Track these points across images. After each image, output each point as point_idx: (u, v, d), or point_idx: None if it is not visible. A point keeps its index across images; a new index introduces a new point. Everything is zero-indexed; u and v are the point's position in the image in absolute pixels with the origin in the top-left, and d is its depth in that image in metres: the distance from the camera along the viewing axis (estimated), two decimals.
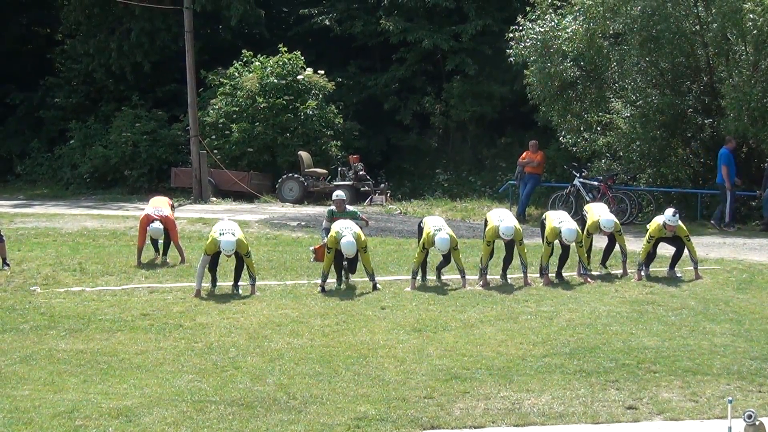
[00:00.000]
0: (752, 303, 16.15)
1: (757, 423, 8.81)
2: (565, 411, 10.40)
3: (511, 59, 29.29)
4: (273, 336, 13.51)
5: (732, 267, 19.15)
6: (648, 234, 17.53)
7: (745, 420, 8.73)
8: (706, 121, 27.62)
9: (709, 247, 22.26)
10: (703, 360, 12.59)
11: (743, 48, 26.05)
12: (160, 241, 19.22)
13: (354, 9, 34.95)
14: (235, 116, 32.97)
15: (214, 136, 33.01)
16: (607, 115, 28.62)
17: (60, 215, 26.53)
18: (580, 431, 10.03)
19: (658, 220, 17.64)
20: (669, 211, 17.42)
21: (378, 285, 16.80)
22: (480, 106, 34.04)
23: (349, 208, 20.78)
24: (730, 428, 8.83)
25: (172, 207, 19.97)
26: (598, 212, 18.69)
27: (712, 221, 25.37)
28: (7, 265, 18.19)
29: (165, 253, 19.00)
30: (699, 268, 18.23)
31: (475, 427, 9.92)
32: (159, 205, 19.31)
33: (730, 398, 9.15)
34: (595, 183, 27.20)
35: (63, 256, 19.64)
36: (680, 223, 17.19)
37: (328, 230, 19.43)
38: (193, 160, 31.78)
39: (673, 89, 27.60)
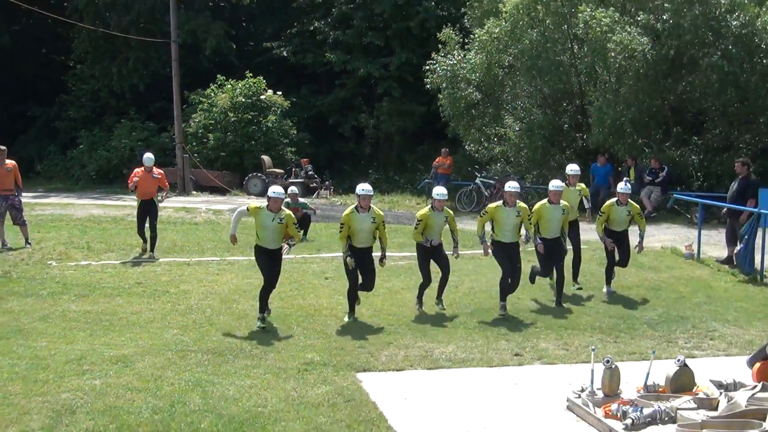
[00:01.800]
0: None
1: (613, 366, 9.10)
2: (466, 357, 10.78)
3: (428, 86, 29.60)
4: (240, 300, 13.70)
5: (596, 247, 18.42)
6: (600, 210, 15.09)
7: (603, 364, 9.07)
8: (577, 135, 28.48)
9: (583, 230, 23.18)
10: (573, 318, 13.13)
11: (607, 77, 26.42)
12: (147, 229, 17.92)
13: (306, 43, 34.84)
14: (211, 127, 33.29)
15: (194, 143, 33.25)
16: (502, 129, 29.35)
17: (71, 204, 26.37)
18: (478, 373, 10.18)
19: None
20: (621, 183, 15.51)
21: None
22: (403, 122, 34.88)
23: (301, 200, 21.55)
24: (592, 371, 9.04)
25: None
26: None
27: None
28: (29, 243, 18.37)
29: (152, 249, 17.91)
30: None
31: (397, 370, 10.19)
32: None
33: (593, 347, 9.63)
34: (492, 182, 27.63)
35: (74, 236, 19.79)
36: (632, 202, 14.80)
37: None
38: (178, 162, 32.15)
39: (553, 109, 28.40)
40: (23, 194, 19.14)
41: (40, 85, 40.18)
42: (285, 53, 36.66)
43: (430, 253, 13.47)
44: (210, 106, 34.04)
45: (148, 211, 17.75)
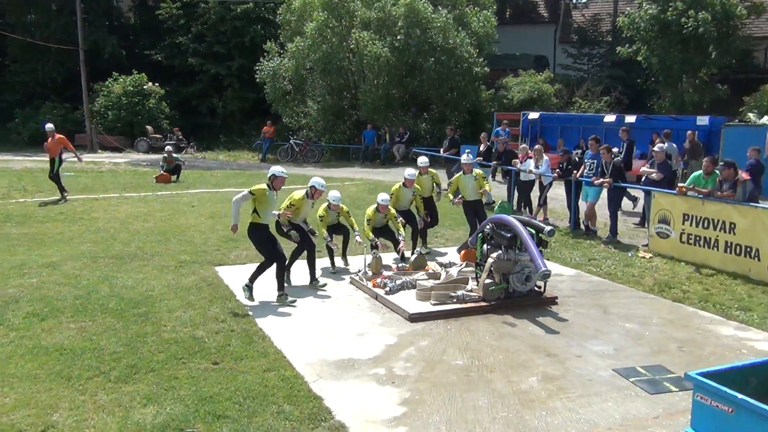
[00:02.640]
0: (376, 199, 16.25)
1: (378, 256, 9.28)
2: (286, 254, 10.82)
3: (258, 80, 29.18)
4: (134, 222, 13.13)
5: (368, 182, 19.82)
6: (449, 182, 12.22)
7: (372, 255, 9.19)
8: (352, 112, 28.50)
9: (353, 172, 23.56)
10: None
11: (369, 76, 26.59)
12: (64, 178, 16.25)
13: (174, 51, 33.96)
14: (110, 107, 31.54)
15: (98, 118, 31.38)
16: (306, 108, 29.13)
17: (11, 160, 24.79)
18: (297, 264, 9.23)
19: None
20: (464, 155, 11.79)
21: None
22: (242, 104, 33.93)
23: (174, 155, 20.79)
24: (365, 259, 9.16)
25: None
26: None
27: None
28: None
29: (60, 190, 15.89)
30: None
31: (242, 264, 9.98)
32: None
33: (373, 252, 9.35)
34: (300, 141, 27.64)
35: (13, 182, 18.43)
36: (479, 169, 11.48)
37: (162, 167, 20.49)
38: (87, 131, 30.82)
39: (337, 96, 28.21)
40: None
41: None
42: (159, 58, 35.07)
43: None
44: (108, 93, 32.46)
45: (52, 163, 16.07)
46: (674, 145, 15.17)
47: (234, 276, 9.40)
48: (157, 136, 31.19)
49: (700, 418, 4.08)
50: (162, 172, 20.08)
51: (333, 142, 28.60)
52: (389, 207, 10.10)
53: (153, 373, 6.05)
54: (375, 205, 10.04)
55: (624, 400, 5.65)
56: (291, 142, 28.00)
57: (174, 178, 20.19)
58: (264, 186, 8.34)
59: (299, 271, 9.30)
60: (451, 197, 11.08)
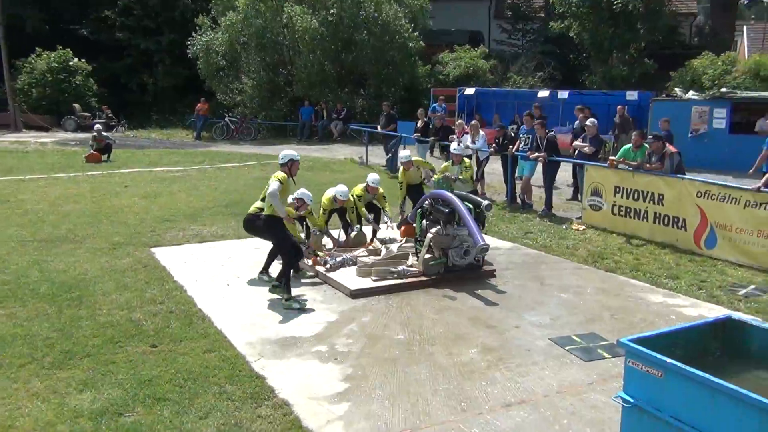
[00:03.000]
0: (314, 176, 17.05)
1: (318, 233, 9.13)
2: (224, 234, 10.59)
3: (190, 55, 28.74)
4: (64, 204, 12.77)
5: (306, 159, 20.47)
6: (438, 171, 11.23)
7: (314, 233, 9.09)
8: (287, 89, 28.23)
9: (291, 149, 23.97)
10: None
11: (305, 52, 26.27)
12: None
13: (101, 25, 32.67)
14: (34, 85, 30.14)
15: (22, 96, 29.97)
16: (240, 85, 28.50)
17: None
18: (232, 244, 10.00)
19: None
20: (454, 144, 12.44)
21: None
22: (174, 80, 32.99)
23: (104, 134, 20.38)
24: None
25: None
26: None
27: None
28: None
29: None
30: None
31: (178, 245, 9.87)
32: None
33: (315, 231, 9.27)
34: (236, 119, 27.31)
35: None
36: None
37: (92, 146, 19.90)
38: (10, 109, 29.44)
39: (273, 71, 27.86)
40: None
41: None
42: (85, 33, 33.80)
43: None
44: (32, 69, 30.96)
45: None
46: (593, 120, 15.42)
47: (170, 257, 9.25)
48: (86, 114, 30.19)
49: (632, 382, 4.24)
50: (92, 151, 19.55)
51: (269, 119, 28.26)
52: (378, 188, 9.66)
53: (89, 358, 5.90)
54: (363, 185, 9.68)
55: (560, 368, 5.83)
56: (226, 119, 27.54)
57: (105, 157, 19.67)
58: (283, 173, 7.52)
59: (245, 258, 9.19)
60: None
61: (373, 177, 9.65)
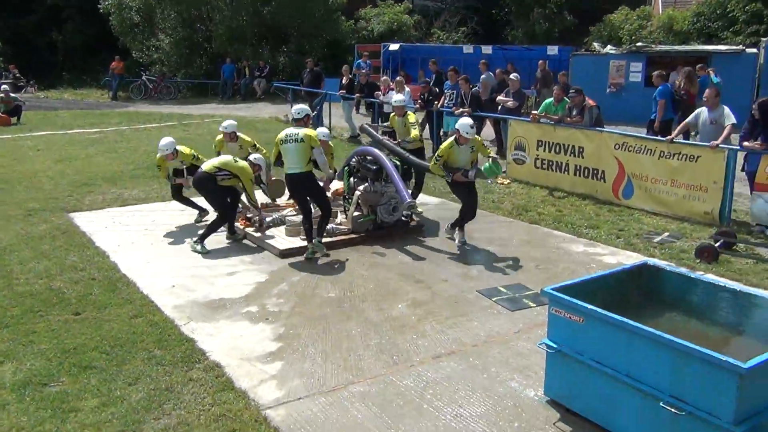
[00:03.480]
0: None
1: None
2: (146, 197, 10.35)
3: (101, 11, 27.47)
4: None
5: (228, 118, 20.02)
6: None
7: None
8: (206, 45, 27.50)
9: (214, 108, 23.30)
10: None
11: (222, 6, 25.95)
12: None
13: None
14: None
15: None
16: (157, 42, 27.75)
17: None
18: (155, 206, 9.84)
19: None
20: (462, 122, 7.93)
21: None
22: (85, 37, 31.35)
23: (12, 95, 19.53)
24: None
25: None
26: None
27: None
28: None
29: None
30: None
31: (98, 209, 9.62)
32: None
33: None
34: (154, 77, 26.39)
35: None
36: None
37: None
38: None
39: (191, 27, 27.11)
40: None
41: None
42: None
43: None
44: None
45: None
46: (491, 73, 15.68)
47: (90, 222, 8.98)
48: None
49: (555, 329, 4.43)
50: (0, 113, 18.51)
51: (189, 77, 27.53)
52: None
53: (8, 329, 5.69)
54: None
55: (488, 319, 6.00)
56: (144, 78, 26.65)
57: (14, 120, 18.82)
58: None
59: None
60: (444, 174, 7.95)
61: (322, 131, 9.02)
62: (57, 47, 32.28)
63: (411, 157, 8.82)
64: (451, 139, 7.88)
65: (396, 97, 10.07)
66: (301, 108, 7.93)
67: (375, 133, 9.99)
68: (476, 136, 7.89)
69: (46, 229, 8.64)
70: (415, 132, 9.47)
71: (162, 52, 27.57)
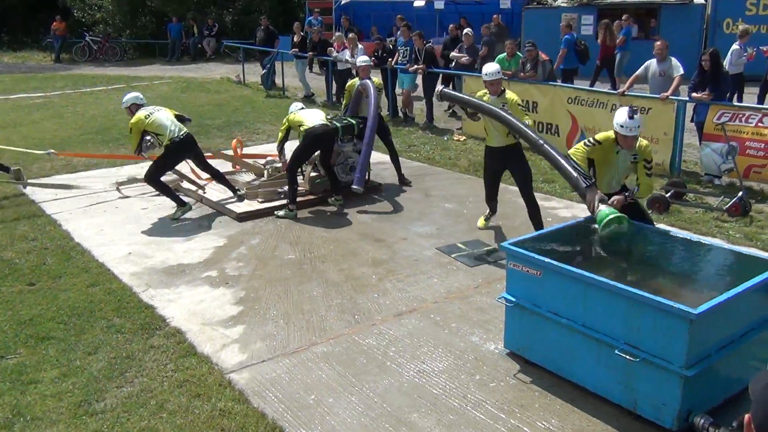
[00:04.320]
0: (190, 98, 16.04)
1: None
2: (97, 162, 10.05)
3: None
4: None
5: (179, 80, 19.46)
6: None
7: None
8: (150, 3, 26.21)
9: (162, 70, 22.84)
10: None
11: None
12: None
13: None
14: None
15: None
16: (99, 1, 26.86)
17: None
18: (106, 173, 9.83)
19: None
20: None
21: None
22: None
23: None
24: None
25: None
26: None
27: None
28: None
29: None
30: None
31: (45, 176, 9.42)
32: None
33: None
34: (98, 38, 25.55)
35: None
36: None
37: None
38: None
39: None
40: None
41: None
42: None
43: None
44: None
45: None
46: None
47: (39, 190, 8.77)
48: None
49: (514, 283, 4.53)
50: None
51: (135, 37, 26.61)
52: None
53: None
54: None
55: (447, 275, 6.09)
56: (87, 39, 25.83)
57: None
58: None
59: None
60: (585, 171, 5.19)
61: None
62: None
63: (534, 135, 5.82)
64: (610, 133, 5.17)
65: (487, 69, 6.78)
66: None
67: (462, 95, 7.86)
68: (643, 140, 5.18)
69: None
70: (527, 120, 6.32)
71: (104, 11, 26.57)
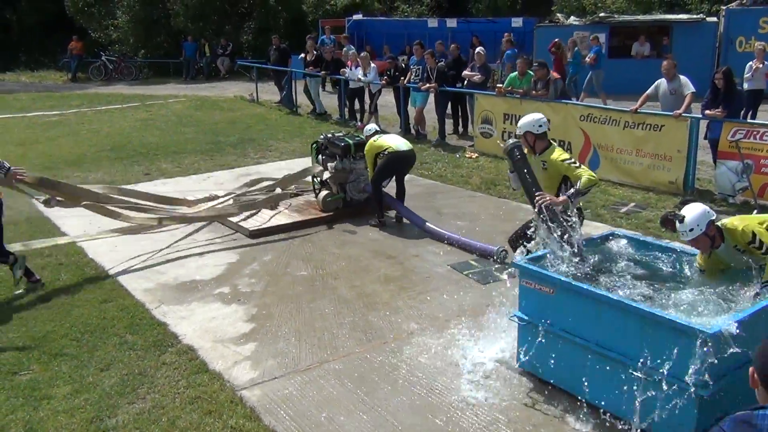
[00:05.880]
0: (204, 116, 16.30)
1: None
2: (111, 180, 10.04)
3: None
4: None
5: (193, 98, 19.58)
6: None
7: None
8: (167, 23, 26.79)
9: (177, 88, 23.10)
10: (182, 146, 12.62)
11: None
12: None
13: None
14: None
15: None
16: (115, 21, 27.25)
17: None
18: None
19: None
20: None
21: None
22: (40, 17, 30.19)
23: None
24: None
25: None
26: None
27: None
28: None
29: None
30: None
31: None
32: None
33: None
34: (113, 57, 25.94)
35: None
36: None
37: None
38: None
39: (149, 5, 26.38)
40: None
41: None
42: None
43: None
44: None
45: None
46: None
47: (56, 209, 8.70)
48: None
49: (527, 300, 4.49)
50: None
51: (150, 56, 26.93)
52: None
53: None
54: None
55: (459, 292, 6.05)
56: (103, 58, 26.14)
57: None
58: None
59: None
60: None
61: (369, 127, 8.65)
62: (11, 27, 31.28)
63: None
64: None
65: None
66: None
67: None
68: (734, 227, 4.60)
69: (9, 215, 8.22)
70: (585, 175, 5.24)
71: (120, 31, 26.91)
